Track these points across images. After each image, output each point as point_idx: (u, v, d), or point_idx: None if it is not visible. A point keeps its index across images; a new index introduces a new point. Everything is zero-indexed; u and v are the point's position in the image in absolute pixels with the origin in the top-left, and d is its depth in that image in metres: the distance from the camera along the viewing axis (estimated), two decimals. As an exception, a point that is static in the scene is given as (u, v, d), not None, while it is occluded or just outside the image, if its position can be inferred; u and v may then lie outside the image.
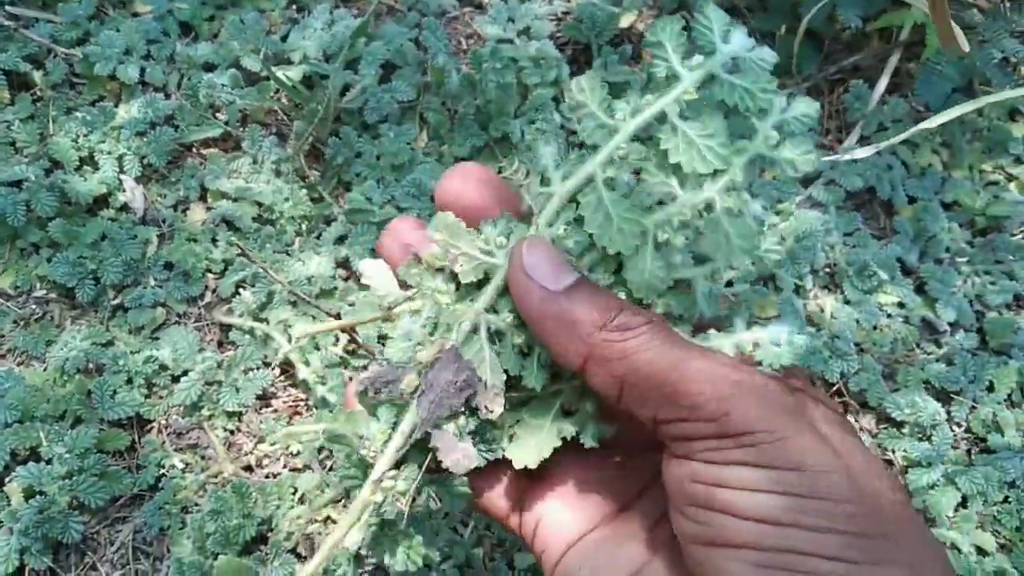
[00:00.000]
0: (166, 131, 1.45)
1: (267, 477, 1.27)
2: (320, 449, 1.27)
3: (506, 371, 0.57)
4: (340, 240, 1.43)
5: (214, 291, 1.40)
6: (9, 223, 1.33)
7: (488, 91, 1.53)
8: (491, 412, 0.56)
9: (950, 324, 1.49)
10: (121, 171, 1.43)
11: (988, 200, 1.61)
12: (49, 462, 1.20)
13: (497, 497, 0.63)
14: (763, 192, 1.50)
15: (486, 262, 0.58)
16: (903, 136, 1.21)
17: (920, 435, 1.37)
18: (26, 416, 1.22)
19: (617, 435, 0.60)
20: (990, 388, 1.42)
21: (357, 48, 1.56)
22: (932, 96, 1.63)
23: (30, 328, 1.33)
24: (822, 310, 1.47)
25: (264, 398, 1.32)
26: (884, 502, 0.47)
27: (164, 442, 1.27)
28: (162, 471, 1.25)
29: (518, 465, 0.58)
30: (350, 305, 1.37)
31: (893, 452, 1.37)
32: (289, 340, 1.32)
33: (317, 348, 1.34)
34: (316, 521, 1.22)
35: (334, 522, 1.23)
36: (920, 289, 1.52)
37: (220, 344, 1.37)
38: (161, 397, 1.30)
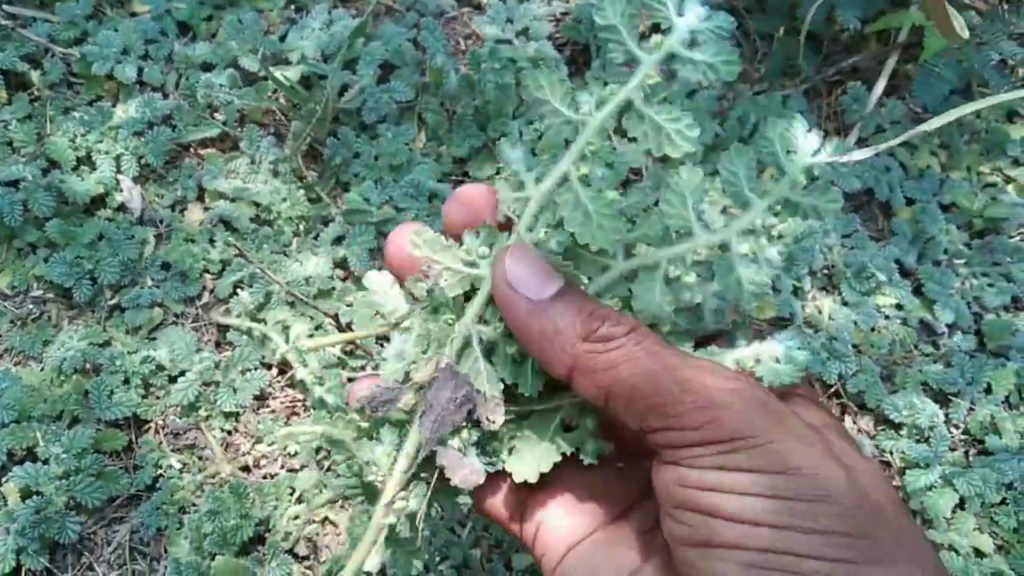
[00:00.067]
0: (164, 131, 1.45)
1: (264, 478, 1.27)
2: (318, 449, 1.27)
3: (502, 380, 0.57)
4: (338, 240, 1.43)
5: (211, 291, 1.39)
6: (6, 223, 1.33)
7: (487, 92, 1.53)
8: (493, 423, 0.56)
9: (948, 326, 1.49)
10: (118, 171, 1.43)
11: (986, 202, 1.61)
12: (46, 462, 1.19)
13: (498, 504, 0.63)
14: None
15: (470, 274, 0.58)
16: (901, 139, 1.20)
17: (918, 437, 1.37)
18: (23, 416, 1.22)
19: (617, 441, 0.60)
20: (988, 390, 1.42)
21: (355, 48, 1.56)
22: (930, 98, 1.63)
23: (27, 328, 1.33)
24: (820, 311, 1.47)
25: (262, 398, 1.32)
26: (875, 503, 0.47)
27: (161, 442, 1.27)
28: (159, 471, 1.24)
29: (518, 479, 0.57)
30: (348, 306, 1.36)
31: (891, 453, 1.37)
32: (287, 340, 1.32)
33: (315, 349, 1.33)
34: (314, 522, 1.22)
35: (332, 523, 1.23)
36: (918, 291, 1.52)
37: (218, 344, 1.36)
38: (158, 397, 1.29)
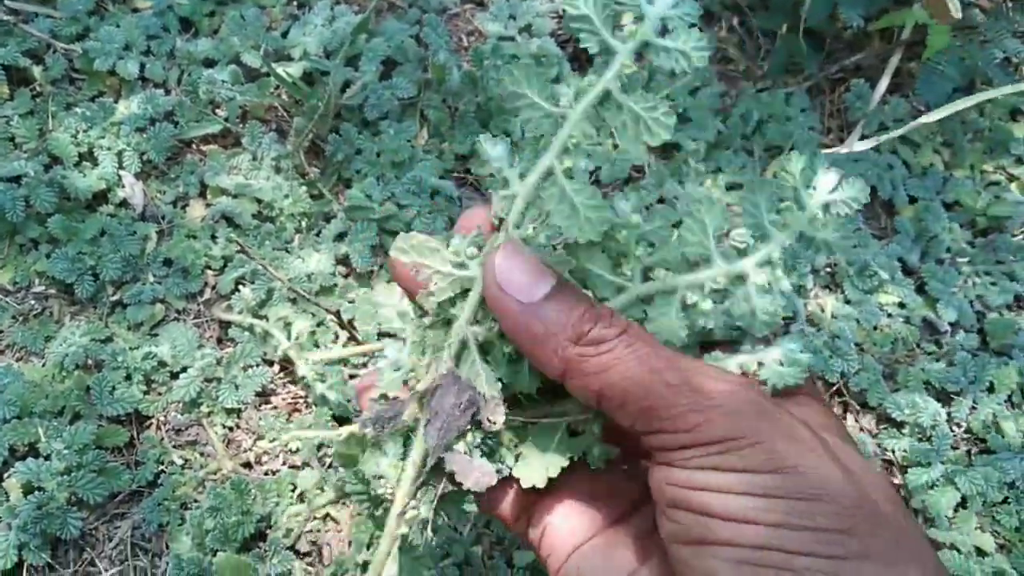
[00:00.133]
0: (166, 127, 1.45)
1: (266, 474, 1.27)
2: (319, 446, 1.27)
3: (500, 380, 0.57)
4: (340, 237, 1.43)
5: (213, 288, 1.39)
6: (8, 219, 1.33)
7: (489, 88, 1.53)
8: (495, 423, 0.56)
9: (951, 324, 1.49)
10: (120, 167, 1.43)
11: (989, 200, 1.60)
12: (48, 458, 1.19)
13: (505, 508, 0.63)
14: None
15: (460, 276, 0.57)
16: (901, 131, 1.21)
17: (920, 435, 1.37)
18: (25, 412, 1.22)
19: (622, 443, 0.61)
20: (990, 389, 1.42)
21: (358, 44, 1.56)
22: (933, 96, 1.63)
23: (29, 324, 1.33)
24: (823, 310, 1.47)
25: (263, 395, 1.31)
26: (872, 502, 0.48)
27: (163, 439, 1.27)
28: (161, 468, 1.24)
29: (526, 484, 0.58)
30: (350, 302, 1.36)
31: (893, 452, 1.37)
32: (288, 337, 1.32)
33: (316, 345, 1.33)
34: (315, 518, 1.22)
35: (334, 520, 1.23)
36: (921, 289, 1.52)
37: (219, 341, 1.36)
38: (160, 394, 1.29)
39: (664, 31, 0.53)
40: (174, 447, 1.27)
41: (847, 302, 1.49)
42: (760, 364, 0.55)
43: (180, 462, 1.26)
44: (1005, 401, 1.41)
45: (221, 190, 1.44)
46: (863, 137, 1.64)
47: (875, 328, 1.47)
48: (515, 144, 0.57)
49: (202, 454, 1.27)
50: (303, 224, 1.44)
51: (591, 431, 0.59)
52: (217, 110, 1.52)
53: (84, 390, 1.25)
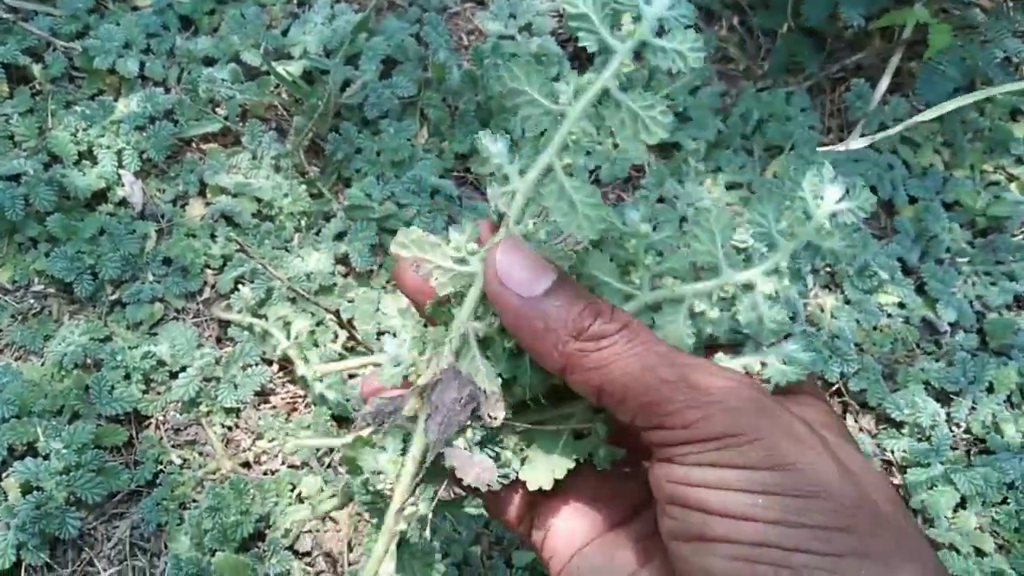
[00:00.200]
0: (165, 126, 1.45)
1: (265, 474, 1.27)
2: (317, 446, 1.27)
3: (500, 376, 0.57)
4: (339, 236, 1.43)
5: (213, 287, 1.39)
6: (7, 217, 1.33)
7: (489, 87, 1.53)
8: (495, 419, 0.56)
9: (950, 324, 1.49)
10: (120, 166, 1.42)
11: (989, 200, 1.60)
12: (46, 457, 1.19)
13: (511, 510, 0.64)
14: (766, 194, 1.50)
15: (461, 271, 0.57)
16: (898, 129, 1.21)
17: (919, 435, 1.37)
18: (23, 411, 1.22)
19: (627, 445, 0.61)
20: (990, 389, 1.42)
21: (358, 43, 1.56)
22: (934, 95, 1.62)
23: (28, 323, 1.33)
24: (822, 310, 1.47)
25: (262, 394, 1.31)
26: (871, 500, 0.48)
27: (162, 438, 1.27)
28: (160, 467, 1.24)
29: (532, 487, 0.58)
30: (349, 302, 1.36)
31: (892, 452, 1.37)
32: (288, 336, 1.32)
33: (316, 345, 1.33)
34: (314, 518, 1.22)
35: (333, 520, 1.23)
36: (920, 289, 1.52)
37: (219, 340, 1.36)
38: (159, 393, 1.29)
39: (661, 31, 0.53)
40: (173, 447, 1.27)
41: (847, 302, 1.49)
42: (764, 364, 0.56)
43: (179, 462, 1.25)
44: (1004, 401, 1.41)
45: (221, 189, 1.43)
46: (863, 136, 1.64)
47: (875, 328, 1.47)
48: (515, 142, 0.57)
49: (201, 454, 1.27)
50: (303, 223, 1.44)
51: (596, 433, 0.59)
52: (217, 109, 1.52)
53: (83, 389, 1.25)
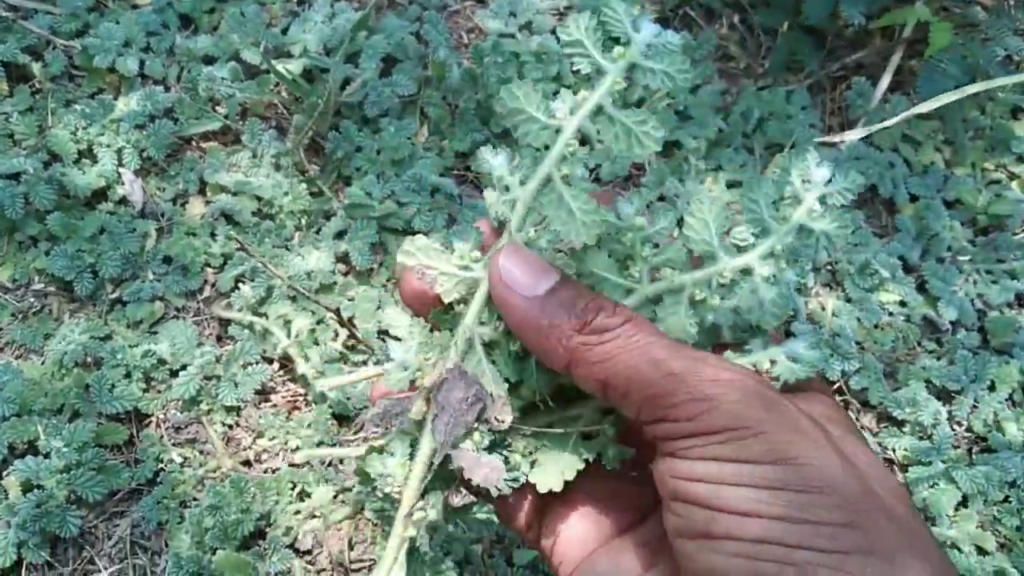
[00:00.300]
0: (165, 124, 1.45)
1: (266, 472, 1.27)
2: (318, 444, 1.27)
3: (507, 380, 0.57)
4: (340, 235, 1.43)
5: (213, 285, 1.39)
6: (7, 216, 1.33)
7: (489, 86, 1.53)
8: (502, 423, 0.56)
9: (951, 323, 1.48)
10: (120, 164, 1.42)
11: (990, 198, 1.60)
12: (47, 456, 1.19)
13: (520, 516, 0.63)
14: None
15: (466, 277, 0.59)
16: (896, 120, 1.20)
17: (921, 434, 1.37)
18: (24, 410, 1.22)
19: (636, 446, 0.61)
20: (991, 387, 1.41)
21: (358, 42, 1.56)
22: (935, 94, 1.61)
23: (28, 321, 1.32)
24: (823, 308, 1.47)
25: (263, 393, 1.31)
26: (876, 496, 0.47)
27: (162, 436, 1.27)
28: (160, 465, 1.24)
29: (543, 489, 0.58)
30: (349, 300, 1.36)
31: (894, 451, 1.37)
32: (288, 335, 1.32)
33: (316, 343, 1.33)
34: (315, 516, 1.22)
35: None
36: (921, 287, 1.52)
37: (219, 338, 1.36)
38: (159, 391, 1.29)
39: (648, 55, 0.56)
40: (173, 445, 1.27)
41: (848, 300, 1.49)
42: (772, 362, 0.56)
43: (179, 460, 1.25)
44: (1006, 400, 1.40)
45: (221, 187, 1.43)
46: (864, 136, 1.64)
47: (876, 326, 1.47)
48: (515, 144, 0.58)
49: (201, 452, 1.27)
50: (303, 222, 1.44)
51: (605, 433, 0.59)
52: (217, 107, 1.52)
53: (83, 388, 1.25)
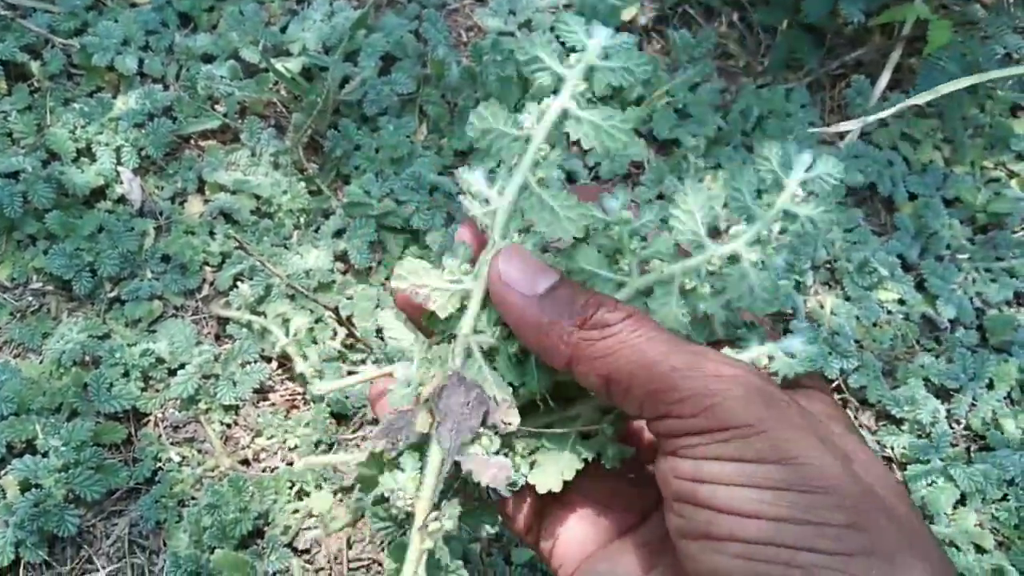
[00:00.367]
0: (164, 123, 1.44)
1: (264, 471, 1.27)
2: (316, 443, 1.27)
3: (510, 384, 0.58)
4: (338, 233, 1.43)
5: (211, 284, 1.39)
6: (6, 214, 1.33)
7: (489, 84, 1.52)
8: (510, 425, 0.56)
9: (950, 321, 1.48)
10: (119, 163, 1.42)
11: (989, 197, 1.60)
12: (45, 455, 1.19)
13: (518, 517, 0.64)
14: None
15: (458, 289, 0.59)
16: (890, 111, 1.20)
17: (919, 432, 1.37)
18: (22, 409, 1.22)
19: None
20: (990, 385, 1.41)
21: (357, 40, 1.55)
22: (934, 92, 1.62)
23: (26, 320, 1.33)
24: (822, 306, 1.47)
25: (261, 392, 1.31)
26: (876, 495, 0.47)
27: (160, 435, 1.27)
28: (159, 464, 1.24)
29: (542, 489, 0.58)
30: (348, 299, 1.36)
31: (892, 449, 1.37)
32: (287, 333, 1.32)
33: (315, 342, 1.33)
34: (313, 515, 1.22)
35: (332, 518, 1.23)
36: (920, 286, 1.51)
37: (217, 337, 1.36)
38: (158, 390, 1.29)
39: (605, 57, 0.59)
40: (172, 444, 1.27)
41: (847, 299, 1.49)
42: (771, 358, 0.57)
43: (178, 459, 1.25)
44: (1004, 398, 1.40)
45: (219, 186, 1.43)
46: (863, 134, 1.64)
47: (875, 325, 1.47)
48: (492, 171, 0.61)
49: (200, 451, 1.27)
50: (301, 220, 1.43)
51: (604, 432, 0.59)
52: (216, 106, 1.52)
53: (82, 387, 1.25)
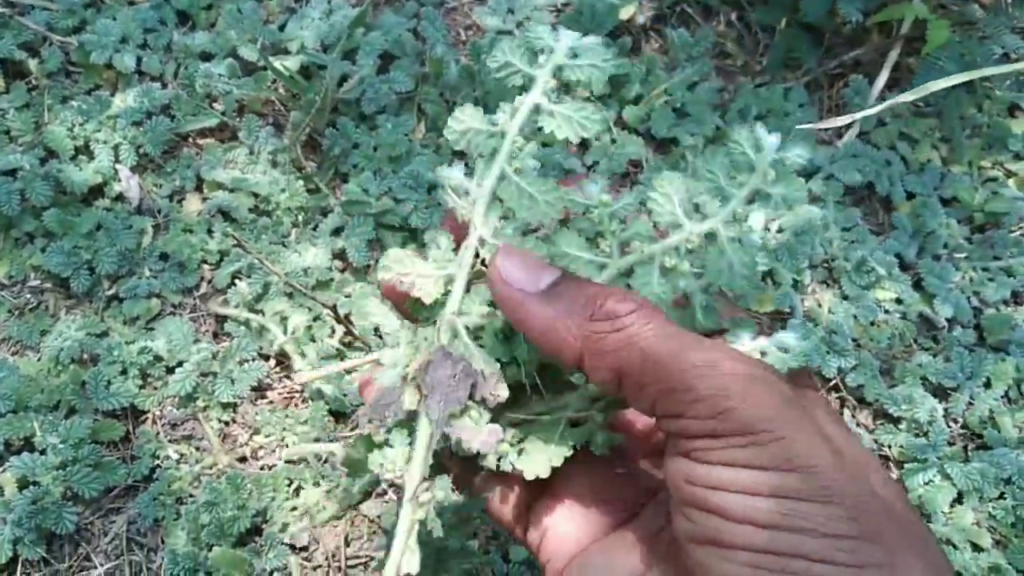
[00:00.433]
0: (162, 121, 1.44)
1: (262, 469, 1.27)
2: (315, 440, 1.27)
3: (497, 359, 0.58)
4: (336, 232, 1.43)
5: (210, 282, 1.39)
6: (4, 212, 1.33)
7: (487, 82, 1.53)
8: (498, 396, 0.56)
9: (948, 320, 1.49)
10: (117, 161, 1.42)
11: (987, 196, 1.60)
12: (43, 452, 1.19)
13: (506, 509, 0.63)
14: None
15: (442, 275, 0.60)
16: (884, 106, 1.20)
17: (917, 431, 1.37)
18: (20, 406, 1.22)
19: (620, 445, 0.60)
20: (987, 384, 1.42)
21: (355, 38, 1.55)
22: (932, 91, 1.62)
23: (24, 318, 1.32)
24: (820, 305, 1.47)
25: (259, 389, 1.31)
26: (881, 499, 0.46)
27: (158, 433, 1.27)
28: (156, 462, 1.24)
29: (529, 476, 0.57)
30: (346, 297, 1.36)
31: (889, 448, 1.37)
32: (285, 331, 1.32)
33: (313, 340, 1.33)
34: (308, 514, 1.22)
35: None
36: (918, 285, 1.52)
37: (215, 335, 1.36)
38: (156, 388, 1.29)
39: (574, 56, 0.61)
40: (170, 442, 1.27)
41: (844, 298, 1.49)
42: (763, 353, 0.56)
43: (176, 457, 1.25)
44: (1002, 397, 1.41)
45: (217, 184, 1.43)
46: (861, 133, 1.64)
47: (872, 324, 1.47)
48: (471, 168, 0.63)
49: (198, 449, 1.27)
50: (300, 218, 1.43)
51: (594, 419, 0.59)
52: (214, 104, 1.51)
53: (80, 384, 1.25)
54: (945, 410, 1.39)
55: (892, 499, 0.47)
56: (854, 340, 1.44)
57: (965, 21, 1.73)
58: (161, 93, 1.47)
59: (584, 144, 1.57)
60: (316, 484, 1.23)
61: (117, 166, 1.42)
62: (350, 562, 1.21)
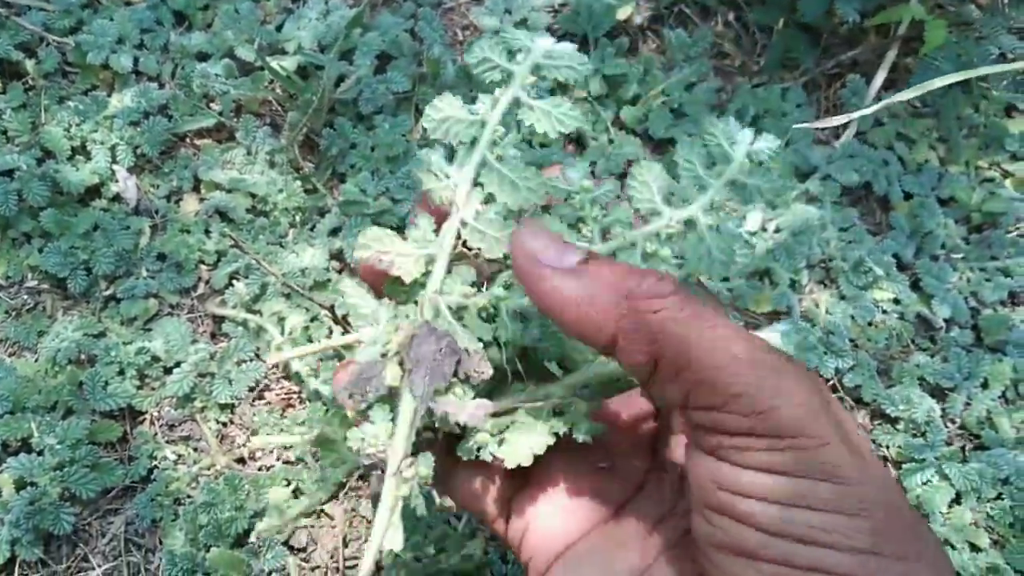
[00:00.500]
0: (159, 121, 1.44)
1: (260, 469, 1.27)
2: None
3: (480, 339, 0.58)
4: (334, 232, 1.42)
5: (207, 282, 1.39)
6: (1, 213, 1.32)
7: (484, 82, 1.52)
8: (483, 374, 0.57)
9: (945, 320, 1.49)
10: (114, 161, 1.42)
11: (984, 196, 1.60)
12: (40, 453, 1.19)
13: (487, 501, 0.62)
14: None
15: (423, 254, 0.61)
16: (879, 106, 1.20)
17: (914, 431, 1.37)
18: (17, 407, 1.22)
19: (603, 438, 0.59)
20: (984, 385, 1.42)
21: (352, 38, 1.55)
22: (929, 91, 1.62)
23: (22, 318, 1.32)
24: (817, 305, 1.47)
25: (257, 390, 1.31)
26: (901, 514, 0.45)
27: (156, 434, 1.27)
28: (154, 463, 1.24)
29: (511, 464, 0.56)
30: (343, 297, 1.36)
31: (887, 448, 1.37)
32: (282, 332, 1.32)
33: (310, 340, 1.33)
34: (308, 515, 1.22)
35: (328, 515, 1.23)
36: (915, 285, 1.52)
37: (213, 336, 1.36)
38: (153, 388, 1.29)
39: (548, 57, 0.63)
40: (167, 442, 1.27)
41: (842, 298, 1.49)
42: None
43: (173, 457, 1.25)
44: (999, 397, 1.41)
45: (215, 184, 1.43)
46: (858, 133, 1.64)
47: (869, 324, 1.47)
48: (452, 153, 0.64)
49: (195, 449, 1.27)
50: (297, 219, 1.43)
51: (577, 408, 0.59)
52: (211, 104, 1.51)
53: (77, 385, 1.25)
54: (943, 410, 1.39)
55: (898, 499, 0.46)
56: (851, 340, 1.44)
57: (962, 22, 1.73)
58: (158, 93, 1.47)
59: (581, 144, 1.57)
60: (313, 481, 1.23)
61: (114, 166, 1.42)
62: (348, 563, 1.21)
